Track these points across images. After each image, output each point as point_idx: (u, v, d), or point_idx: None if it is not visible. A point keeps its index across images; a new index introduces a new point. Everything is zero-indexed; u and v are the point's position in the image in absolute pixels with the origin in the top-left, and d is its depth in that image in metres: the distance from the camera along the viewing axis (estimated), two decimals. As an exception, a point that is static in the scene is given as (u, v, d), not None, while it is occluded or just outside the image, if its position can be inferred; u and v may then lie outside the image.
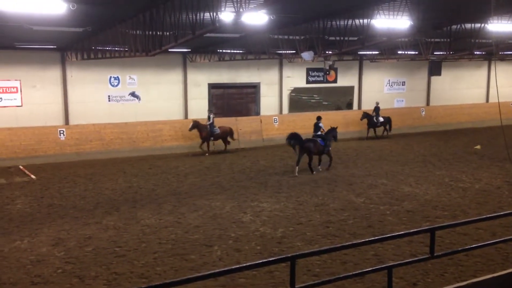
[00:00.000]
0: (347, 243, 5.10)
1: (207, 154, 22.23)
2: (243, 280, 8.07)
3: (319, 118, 18.79)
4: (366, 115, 26.94)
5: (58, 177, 17.15)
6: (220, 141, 23.08)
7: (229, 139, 23.09)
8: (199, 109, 25.54)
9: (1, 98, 20.93)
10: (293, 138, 16.94)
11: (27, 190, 15.19)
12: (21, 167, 18.79)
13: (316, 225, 11.16)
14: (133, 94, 24.00)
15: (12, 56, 20.91)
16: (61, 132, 21.57)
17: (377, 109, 27.08)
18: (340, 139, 26.50)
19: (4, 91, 20.99)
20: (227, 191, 14.83)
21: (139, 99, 24.12)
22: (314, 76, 28.52)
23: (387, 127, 27.24)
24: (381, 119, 26.93)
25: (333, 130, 18.33)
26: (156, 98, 24.33)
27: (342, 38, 17.23)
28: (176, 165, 19.49)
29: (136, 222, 11.59)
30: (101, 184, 16.10)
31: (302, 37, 18.76)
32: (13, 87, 21.16)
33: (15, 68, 21.09)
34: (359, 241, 5.48)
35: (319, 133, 18.09)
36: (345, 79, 29.59)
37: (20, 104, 21.33)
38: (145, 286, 3.69)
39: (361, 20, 16.18)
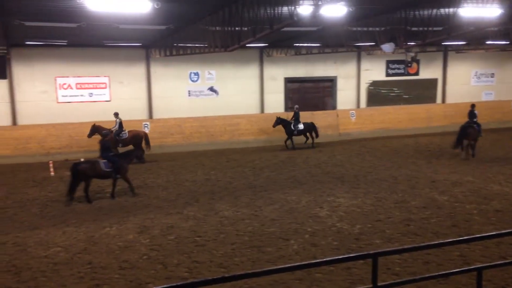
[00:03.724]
0: (432, 243, 4.88)
1: None
2: (319, 275, 8.01)
3: (473, 106, 18.94)
4: (280, 121, 22.21)
5: (143, 169, 18.03)
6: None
7: (144, 146, 19.51)
8: (276, 103, 25.71)
9: (91, 93, 22.44)
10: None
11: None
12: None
13: (396, 223, 10.80)
14: (211, 89, 24.65)
15: (101, 54, 22.29)
16: (145, 125, 22.69)
17: (296, 114, 22.45)
18: (423, 134, 25.57)
19: (94, 87, 22.47)
20: (303, 185, 14.77)
21: (217, 94, 24.73)
22: (394, 69, 27.60)
23: (313, 134, 22.57)
24: (300, 126, 22.16)
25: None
26: (233, 93, 24.81)
27: (425, 28, 16.49)
28: (252, 159, 19.75)
29: (214, 214, 11.89)
30: (182, 176, 16.71)
31: (382, 29, 18.22)
32: (102, 83, 22.59)
33: (104, 65, 22.49)
34: (445, 240, 5.23)
35: (475, 120, 18.39)
36: (428, 71, 28.33)
37: (108, 99, 22.73)
38: (228, 275, 3.78)
39: (446, 9, 15.38)
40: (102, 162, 13.47)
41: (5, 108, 21.32)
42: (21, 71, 21.32)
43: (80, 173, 13.13)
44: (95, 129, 19.49)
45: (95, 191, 14.63)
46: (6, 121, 21.35)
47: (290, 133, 22.20)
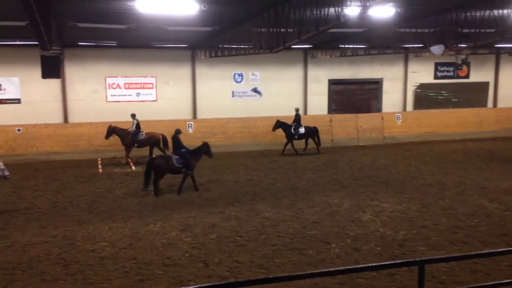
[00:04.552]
0: (481, 252, 4.71)
1: (125, 162, 19.52)
2: (361, 280, 7.88)
3: None
4: (279, 124, 21.25)
5: (186, 168, 18.31)
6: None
7: (162, 147, 19.55)
8: (319, 105, 25.55)
9: (139, 93, 23.05)
10: None
11: (159, 178, 16.50)
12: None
13: (443, 230, 10.48)
14: (255, 90, 24.76)
15: (149, 55, 22.86)
16: (190, 125, 23.07)
17: (297, 117, 21.37)
18: (472, 139, 24.69)
19: (142, 86, 23.08)
20: (346, 188, 14.59)
21: (261, 95, 24.82)
22: (443, 71, 26.83)
23: (316, 139, 21.49)
24: (301, 130, 21.13)
25: None
26: (277, 94, 24.82)
27: (477, 30, 15.91)
28: (294, 161, 19.69)
29: (256, 214, 11.93)
30: (224, 176, 16.87)
31: (431, 30, 17.74)
32: (149, 83, 23.16)
33: (152, 66, 23.04)
34: (495, 250, 5.03)
35: None
36: (479, 75, 27.35)
37: (155, 99, 23.28)
38: (271, 276, 3.79)
39: (499, 11, 14.79)
40: (175, 158, 14.20)
41: (58, 106, 22.23)
42: (73, 71, 22.18)
43: (155, 168, 13.93)
44: (112, 130, 19.56)
45: (140, 189, 15.02)
46: (58, 118, 22.26)
47: (290, 137, 21.15)
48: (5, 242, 10.05)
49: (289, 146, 21.47)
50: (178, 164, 14.14)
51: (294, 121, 21.40)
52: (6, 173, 12.39)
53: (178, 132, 15.04)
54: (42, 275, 8.34)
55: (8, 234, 10.60)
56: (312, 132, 21.44)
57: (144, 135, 19.54)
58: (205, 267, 8.65)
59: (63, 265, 8.80)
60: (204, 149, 15.09)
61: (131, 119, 19.90)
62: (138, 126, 19.58)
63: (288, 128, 21.28)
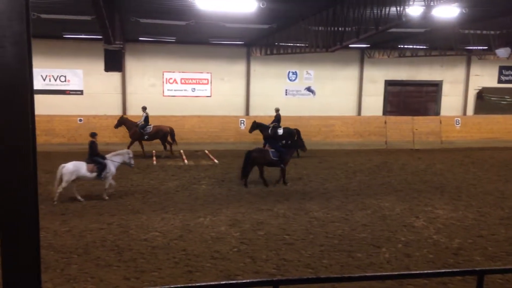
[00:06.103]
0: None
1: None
2: (411, 287, 7.67)
3: None
4: (256, 125, 20.26)
5: (237, 164, 18.45)
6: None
7: (170, 141, 19.81)
8: (374, 106, 25.04)
9: (194, 88, 23.53)
10: None
11: (211, 173, 16.77)
12: (206, 151, 20.80)
13: (500, 241, 10.00)
14: (308, 89, 24.63)
15: (205, 51, 23.26)
16: (242, 122, 23.27)
17: (277, 117, 20.24)
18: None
19: (197, 82, 23.54)
20: (398, 192, 14.22)
21: (314, 94, 24.65)
22: (508, 75, 25.56)
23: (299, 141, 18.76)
24: (279, 131, 20.01)
25: None
26: (330, 94, 24.57)
27: (548, 32, 15.03)
28: (345, 161, 19.42)
29: (304, 214, 11.87)
30: (274, 173, 16.85)
31: (497, 32, 16.94)
32: (205, 79, 23.58)
33: (207, 62, 23.45)
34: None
35: None
36: (547, 80, 25.83)
37: (209, 95, 23.68)
38: (323, 276, 3.76)
39: None
40: (271, 152, 14.87)
41: (117, 98, 23.09)
42: (133, 65, 22.95)
43: (252, 160, 14.66)
44: (123, 121, 19.89)
45: (191, 182, 15.33)
46: (117, 110, 23.11)
47: (267, 139, 19.00)
48: (64, 227, 10.57)
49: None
50: (274, 157, 14.76)
51: (272, 122, 20.42)
52: (132, 161, 13.56)
53: (276, 127, 15.53)
54: (97, 260, 8.69)
55: (67, 220, 11.14)
56: (292, 134, 19.98)
57: (151, 128, 19.69)
58: (252, 262, 8.70)
59: (117, 252, 9.13)
60: (298, 145, 16.43)
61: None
62: (146, 119, 19.73)
63: (266, 129, 20.26)
